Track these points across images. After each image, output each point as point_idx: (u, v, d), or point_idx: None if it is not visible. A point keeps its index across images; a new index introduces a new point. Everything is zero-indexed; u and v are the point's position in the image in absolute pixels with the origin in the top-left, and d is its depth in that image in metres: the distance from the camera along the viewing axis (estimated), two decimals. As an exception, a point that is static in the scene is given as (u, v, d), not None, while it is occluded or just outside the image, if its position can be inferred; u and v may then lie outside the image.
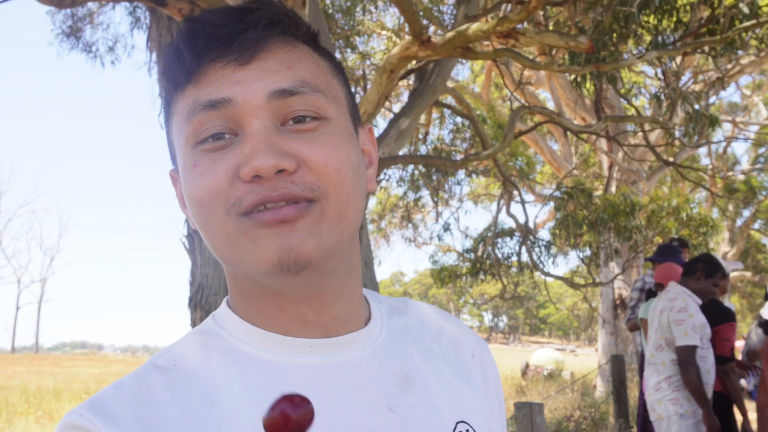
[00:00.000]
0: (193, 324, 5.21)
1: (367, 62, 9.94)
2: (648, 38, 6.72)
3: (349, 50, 9.23)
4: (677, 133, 8.40)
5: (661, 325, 4.03)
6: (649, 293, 5.11)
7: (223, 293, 5.08)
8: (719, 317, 4.31)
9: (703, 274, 4.13)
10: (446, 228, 12.01)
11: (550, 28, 6.37)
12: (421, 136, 10.31)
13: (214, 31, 0.67)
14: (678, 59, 7.71)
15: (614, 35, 5.91)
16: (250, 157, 0.64)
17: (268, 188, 0.64)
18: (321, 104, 0.68)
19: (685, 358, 3.85)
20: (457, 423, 0.76)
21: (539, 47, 6.88)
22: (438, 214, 12.32)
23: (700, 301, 4.08)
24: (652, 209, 9.51)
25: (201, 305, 5.18)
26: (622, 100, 10.40)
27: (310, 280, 0.68)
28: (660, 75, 7.99)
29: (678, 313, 3.94)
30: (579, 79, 6.84)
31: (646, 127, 8.87)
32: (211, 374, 0.70)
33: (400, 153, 7.53)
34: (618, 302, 11.93)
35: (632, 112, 8.47)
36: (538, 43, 4.97)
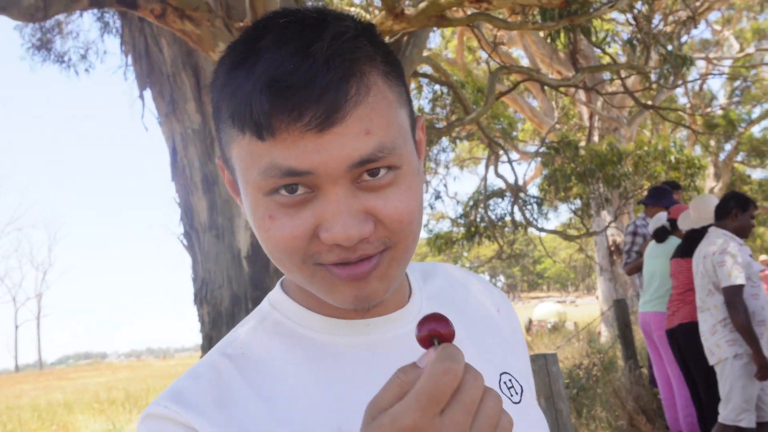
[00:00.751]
0: (201, 320, 5.22)
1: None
2: (616, -15, 6.73)
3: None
4: (653, 77, 8.46)
5: (707, 270, 4.02)
6: (663, 231, 5.05)
7: (227, 286, 5.09)
8: None
9: (739, 209, 4.09)
10: (437, 196, 12.12)
11: (520, -14, 6.37)
12: (401, 109, 10.30)
13: (290, 91, 0.63)
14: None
15: (583, -14, 5.92)
16: (332, 225, 0.66)
17: (348, 252, 0.67)
18: (394, 160, 0.68)
19: (732, 298, 3.83)
20: (501, 374, 0.83)
21: (510, 7, 6.90)
22: (427, 183, 12.40)
23: (741, 241, 4.04)
24: (639, 155, 9.57)
25: (207, 300, 5.17)
26: (596, 49, 10.44)
27: None
28: (631, 20, 8.04)
29: (719, 256, 3.92)
30: (552, 34, 6.86)
31: (623, 73, 8.93)
32: (278, 358, 0.75)
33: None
34: (613, 249, 12.07)
35: (607, 60, 8.51)
36: (510, 4, 5.00)
